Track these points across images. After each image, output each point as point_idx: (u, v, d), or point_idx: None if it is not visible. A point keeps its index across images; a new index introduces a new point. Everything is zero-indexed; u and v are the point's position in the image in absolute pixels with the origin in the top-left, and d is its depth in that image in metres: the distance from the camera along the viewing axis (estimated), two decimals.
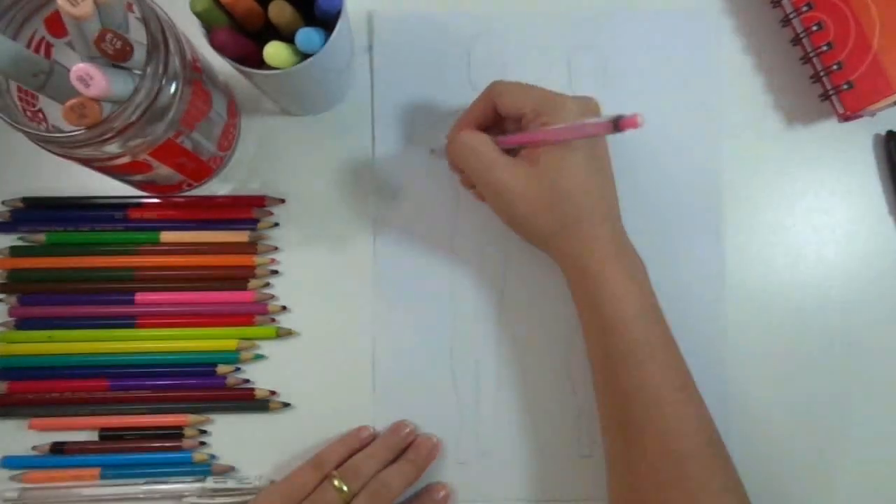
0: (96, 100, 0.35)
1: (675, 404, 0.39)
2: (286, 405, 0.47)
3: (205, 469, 0.46)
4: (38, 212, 0.48)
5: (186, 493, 0.46)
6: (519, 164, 0.41)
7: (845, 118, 0.47)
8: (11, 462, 0.46)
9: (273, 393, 0.47)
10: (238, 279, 0.47)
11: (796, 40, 0.48)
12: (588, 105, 0.42)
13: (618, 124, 0.34)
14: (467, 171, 0.43)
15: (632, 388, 0.39)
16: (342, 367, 0.48)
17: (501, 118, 0.44)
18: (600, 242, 0.41)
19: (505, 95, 0.42)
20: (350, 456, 0.45)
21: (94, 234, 0.48)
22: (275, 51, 0.38)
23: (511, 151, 0.43)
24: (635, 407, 0.39)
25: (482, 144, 0.42)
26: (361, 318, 0.48)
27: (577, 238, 0.41)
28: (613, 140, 0.50)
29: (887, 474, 0.48)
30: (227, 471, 0.47)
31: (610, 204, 0.42)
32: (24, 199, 0.48)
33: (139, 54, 0.35)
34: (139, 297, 0.47)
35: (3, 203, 0.48)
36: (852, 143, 0.50)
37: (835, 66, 0.46)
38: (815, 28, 0.47)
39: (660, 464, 0.38)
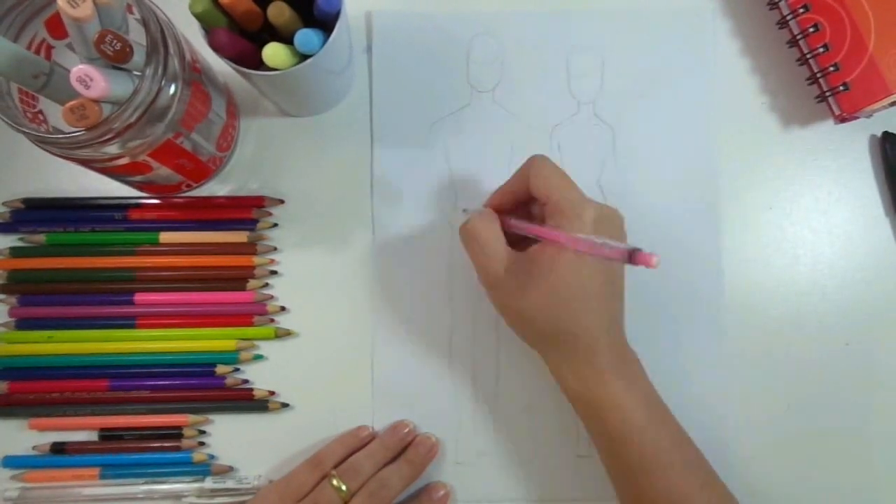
0: (96, 101, 0.35)
1: (704, 500, 0.39)
2: (285, 405, 0.47)
3: (204, 469, 0.46)
4: (38, 212, 0.48)
5: (186, 493, 0.46)
6: (521, 268, 0.40)
7: (842, 119, 0.48)
8: (11, 462, 0.46)
9: (272, 393, 0.47)
10: (237, 280, 0.48)
11: (793, 42, 0.49)
12: (609, 218, 0.40)
13: (632, 257, 0.33)
14: (469, 256, 0.42)
15: (658, 497, 0.39)
16: (341, 367, 0.48)
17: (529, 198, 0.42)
18: (594, 355, 0.39)
19: (537, 178, 0.40)
20: (349, 455, 0.45)
21: (94, 235, 0.48)
22: (274, 52, 0.38)
23: (525, 240, 0.42)
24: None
25: (487, 233, 0.41)
26: (360, 319, 0.48)
27: (571, 352, 0.40)
28: (610, 140, 0.51)
29: (887, 474, 0.48)
30: (227, 471, 0.47)
31: (609, 313, 0.40)
32: (25, 200, 0.48)
33: (139, 55, 0.35)
34: (139, 297, 0.47)
35: (3, 204, 0.48)
36: (849, 144, 0.50)
37: (831, 68, 0.47)
38: (811, 30, 0.47)
39: None
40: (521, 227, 0.41)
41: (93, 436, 0.47)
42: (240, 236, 0.48)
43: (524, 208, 0.44)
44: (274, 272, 0.48)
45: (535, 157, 0.42)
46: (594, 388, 0.39)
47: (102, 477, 0.46)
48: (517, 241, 0.42)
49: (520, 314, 0.40)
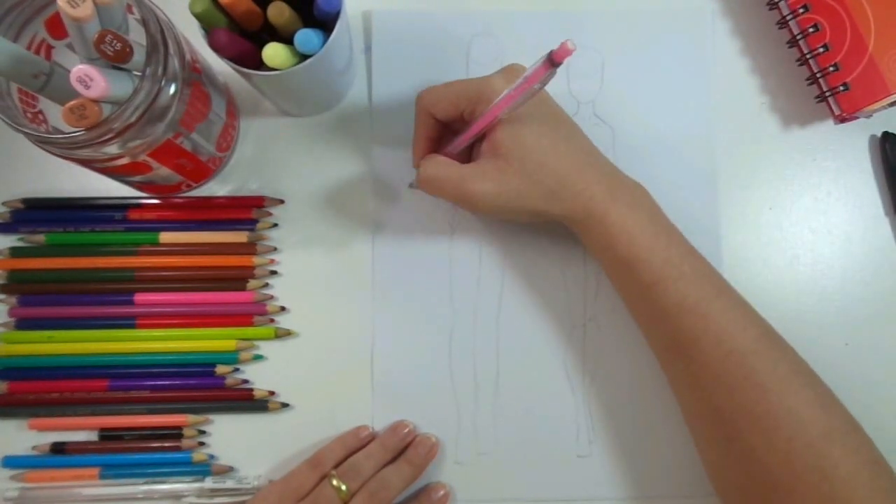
0: (96, 101, 0.35)
1: (720, 310, 0.39)
2: (285, 405, 0.47)
3: (204, 469, 0.46)
4: (38, 213, 0.48)
5: (185, 493, 0.46)
6: (483, 167, 0.41)
7: (842, 119, 0.48)
8: (11, 462, 0.46)
9: (272, 393, 0.47)
10: (237, 280, 0.48)
11: (793, 42, 0.49)
12: (513, 70, 0.42)
13: (552, 59, 0.34)
14: (445, 198, 0.43)
15: (673, 310, 0.40)
16: (341, 367, 0.48)
17: (445, 126, 0.44)
18: (592, 190, 0.41)
19: (436, 102, 0.42)
20: (349, 456, 0.45)
21: (94, 235, 0.48)
22: (274, 52, 0.38)
23: (474, 153, 0.43)
24: (683, 326, 0.39)
25: (443, 169, 0.42)
26: (360, 319, 0.48)
27: (567, 199, 0.41)
28: (610, 140, 0.51)
29: None
30: (227, 471, 0.47)
31: (585, 151, 0.42)
32: (24, 200, 0.48)
33: (139, 55, 0.35)
34: (139, 297, 0.47)
35: (3, 204, 0.48)
36: (849, 144, 0.50)
37: (831, 68, 0.47)
38: (811, 30, 0.47)
39: (723, 369, 0.38)
40: (459, 141, 0.42)
41: (93, 436, 0.47)
42: (240, 236, 0.48)
43: (447, 141, 0.45)
44: (274, 272, 0.48)
45: (420, 93, 0.43)
46: (598, 223, 0.41)
47: (102, 477, 0.46)
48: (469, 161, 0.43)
49: (511, 205, 0.41)
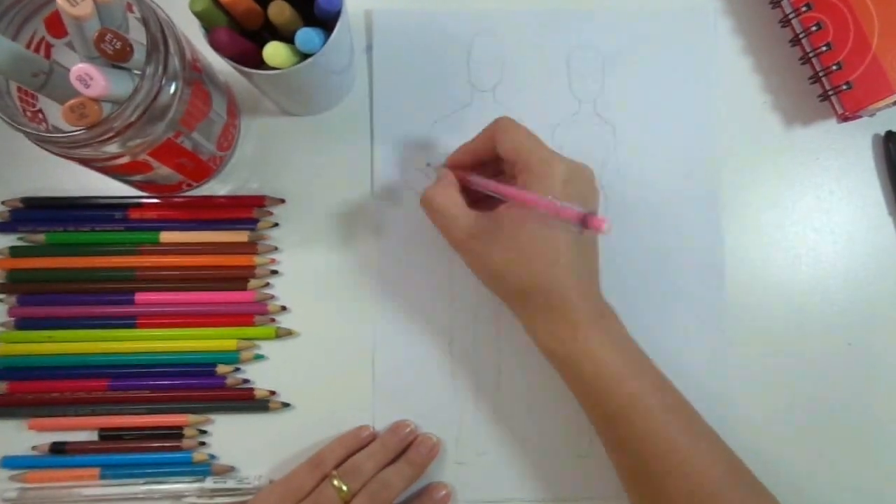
0: (96, 100, 0.35)
1: (686, 445, 0.39)
2: (286, 405, 0.47)
3: (204, 469, 0.46)
4: (37, 212, 0.48)
5: (186, 493, 0.46)
6: (485, 225, 0.40)
7: (844, 118, 0.47)
8: (11, 462, 0.46)
9: (273, 393, 0.47)
10: (238, 279, 0.47)
11: (795, 41, 0.48)
12: (579, 173, 0.40)
13: (584, 221, 0.34)
14: (438, 228, 0.43)
15: (638, 441, 0.39)
16: (342, 367, 0.48)
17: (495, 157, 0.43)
18: (567, 307, 0.39)
19: (505, 136, 0.41)
20: (349, 456, 0.45)
21: (94, 235, 0.48)
22: (274, 51, 0.38)
23: (490, 197, 0.42)
24: (648, 458, 0.39)
25: (448, 208, 0.42)
26: (361, 318, 0.48)
27: (542, 306, 0.40)
28: (611, 139, 0.50)
29: (889, 473, 0.48)
30: (227, 471, 0.47)
31: (572, 266, 0.40)
32: (24, 200, 0.48)
33: (139, 54, 0.35)
34: (139, 297, 0.47)
35: (2, 203, 0.48)
36: (851, 143, 0.50)
37: (834, 67, 0.46)
38: (814, 28, 0.47)
39: None
40: (481, 184, 0.42)
41: (93, 436, 0.47)
42: (240, 236, 0.48)
43: (486, 168, 0.44)
44: (275, 272, 0.48)
45: (501, 117, 0.42)
46: (568, 342, 0.40)
47: (102, 477, 0.46)
48: (482, 199, 0.43)
49: (489, 273, 0.41)
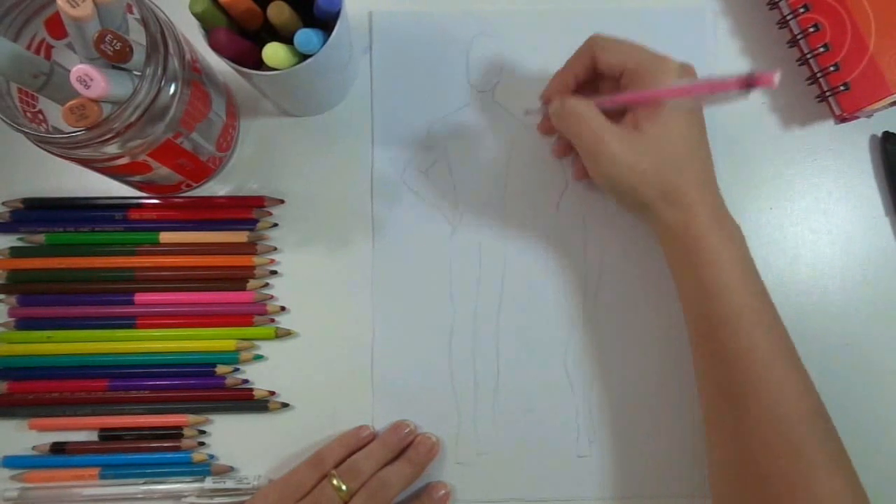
0: (96, 101, 0.35)
1: (783, 370, 0.39)
2: (285, 405, 0.47)
3: (204, 469, 0.46)
4: (37, 212, 0.48)
5: (185, 493, 0.46)
6: (625, 133, 0.40)
7: (842, 119, 0.48)
8: (11, 462, 0.46)
9: (272, 393, 0.47)
10: (237, 279, 0.48)
11: (793, 41, 0.49)
12: (688, 70, 0.41)
13: (750, 81, 0.32)
14: (574, 139, 0.42)
15: (739, 353, 0.39)
16: (341, 367, 0.48)
17: (596, 76, 0.43)
18: (701, 208, 0.40)
19: (608, 51, 0.41)
20: (349, 455, 0.45)
21: (94, 235, 0.48)
22: (274, 51, 0.38)
23: (609, 115, 0.42)
24: (743, 373, 0.38)
25: (589, 112, 0.40)
26: (361, 319, 0.48)
27: (679, 205, 0.40)
28: None
29: (887, 474, 0.48)
30: (226, 471, 0.47)
31: (708, 170, 0.42)
32: (24, 200, 0.48)
33: (139, 55, 0.35)
34: (139, 297, 0.47)
35: (3, 204, 0.48)
36: (849, 144, 0.50)
37: (832, 68, 0.47)
38: (811, 29, 0.47)
39: (770, 430, 0.38)
40: (616, 99, 0.41)
41: (93, 436, 0.47)
42: (240, 236, 0.48)
43: (584, 91, 0.43)
44: (274, 272, 0.48)
45: (593, 36, 0.42)
46: (695, 241, 0.40)
47: (102, 477, 0.46)
48: None
49: (629, 179, 0.40)
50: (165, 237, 0.48)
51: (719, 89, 0.35)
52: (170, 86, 0.37)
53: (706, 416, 0.42)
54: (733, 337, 0.39)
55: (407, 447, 0.46)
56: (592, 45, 0.42)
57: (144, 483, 0.46)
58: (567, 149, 0.47)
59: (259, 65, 0.39)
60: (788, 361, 0.39)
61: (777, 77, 0.31)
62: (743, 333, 0.39)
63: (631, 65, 0.40)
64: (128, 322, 0.47)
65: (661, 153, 0.40)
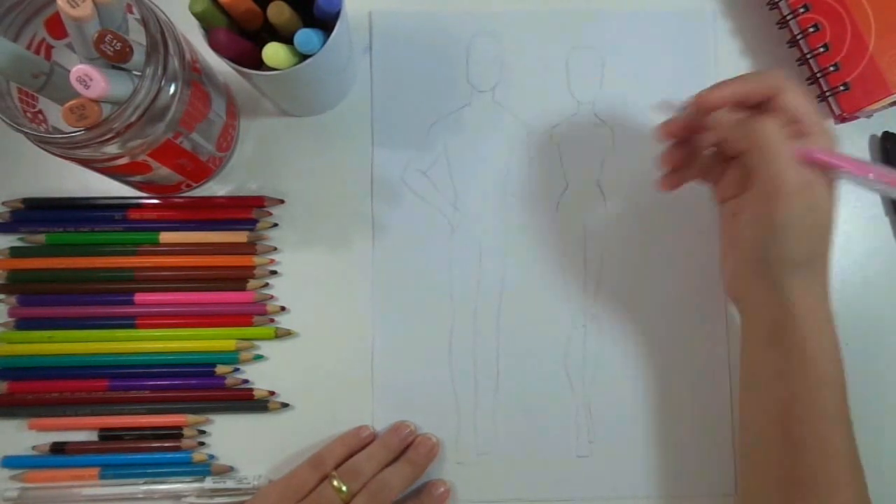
0: (96, 101, 0.35)
1: (862, 470, 0.38)
2: (285, 405, 0.47)
3: (204, 469, 0.46)
4: (37, 212, 0.48)
5: (185, 493, 0.46)
6: (814, 179, 0.37)
7: (842, 119, 0.48)
8: (11, 462, 0.46)
9: (272, 393, 0.47)
10: (237, 280, 0.48)
11: (793, 42, 0.49)
12: (835, 140, 0.39)
13: None
14: (760, 162, 0.37)
15: (823, 449, 0.38)
16: (341, 367, 0.48)
17: (757, 108, 0.40)
18: (825, 278, 0.39)
19: (795, 94, 0.38)
20: (349, 456, 0.45)
21: (94, 235, 0.48)
22: (274, 51, 0.38)
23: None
24: (825, 470, 0.38)
25: (788, 143, 0.37)
26: (361, 319, 0.48)
27: (822, 275, 0.39)
28: (610, 140, 0.50)
29: (886, 474, 0.48)
30: (226, 471, 0.47)
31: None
32: (24, 200, 0.48)
33: (138, 55, 0.35)
34: (139, 297, 0.47)
35: (3, 204, 0.48)
36: (849, 144, 0.50)
37: (831, 68, 0.47)
38: (811, 30, 0.47)
39: None
40: (824, 156, 0.38)
41: (93, 436, 0.47)
42: (240, 236, 0.48)
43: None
44: (274, 272, 0.48)
45: (780, 71, 0.39)
46: (821, 310, 0.39)
47: (102, 477, 0.46)
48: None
49: (794, 229, 0.37)
50: (165, 237, 0.48)
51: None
52: (170, 86, 0.37)
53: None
54: (826, 429, 0.38)
55: (407, 448, 0.46)
56: (781, 79, 0.39)
57: (144, 483, 0.46)
58: (678, 164, 0.44)
59: (259, 65, 0.39)
60: (860, 462, 0.39)
61: None
62: (833, 427, 0.38)
63: (810, 118, 0.38)
64: (128, 322, 0.47)
65: (823, 214, 0.38)
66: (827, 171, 0.38)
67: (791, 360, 0.38)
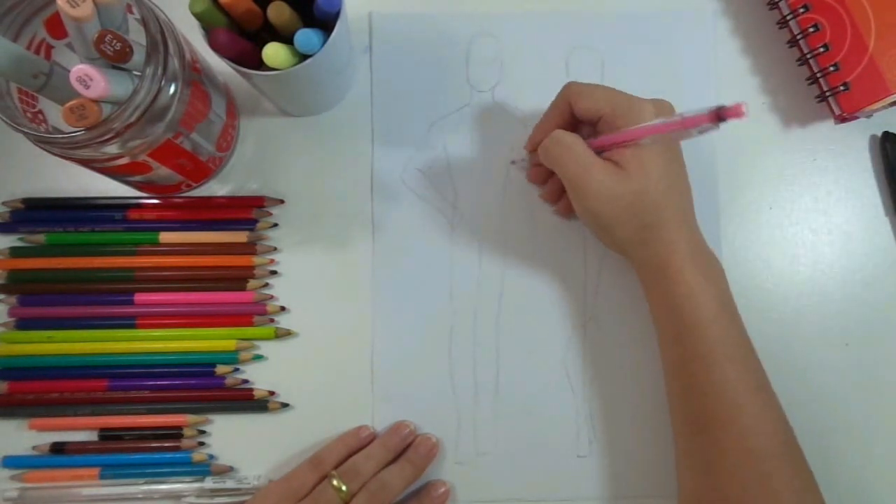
0: (96, 101, 0.35)
1: (755, 405, 0.39)
2: (285, 405, 0.47)
3: (204, 469, 0.46)
4: (38, 212, 0.48)
5: (185, 493, 0.46)
6: (609, 167, 0.40)
7: (842, 119, 0.48)
8: (11, 462, 0.46)
9: (272, 393, 0.47)
10: (237, 280, 0.48)
11: (793, 42, 0.49)
12: (663, 106, 0.42)
13: (720, 114, 0.33)
14: (561, 171, 0.42)
15: (711, 388, 0.39)
16: (341, 367, 0.48)
17: (576, 122, 0.43)
18: (678, 245, 0.41)
19: (583, 97, 0.42)
20: (349, 456, 0.45)
21: (94, 235, 0.48)
22: (274, 52, 0.38)
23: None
24: (715, 407, 0.39)
25: (578, 145, 0.41)
26: (360, 319, 0.48)
27: (657, 242, 0.41)
28: None
29: (887, 473, 0.48)
30: (226, 471, 0.47)
31: (687, 205, 0.43)
32: (24, 200, 0.48)
33: (138, 55, 0.35)
34: (139, 297, 0.47)
35: (3, 204, 0.48)
36: (849, 144, 0.50)
37: (831, 68, 0.47)
38: (811, 29, 0.47)
39: (742, 463, 0.38)
40: (600, 141, 0.41)
41: (93, 436, 0.47)
42: (240, 236, 0.48)
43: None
44: (274, 272, 0.48)
45: (568, 84, 0.43)
46: (672, 276, 0.40)
47: (102, 477, 0.46)
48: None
49: (611, 213, 0.41)
50: (165, 237, 0.48)
51: (691, 125, 0.36)
52: (170, 86, 0.37)
53: (677, 449, 0.42)
54: (706, 370, 0.39)
55: (407, 448, 0.46)
56: (568, 94, 0.43)
57: (144, 483, 0.46)
58: (558, 194, 0.47)
59: (259, 65, 0.39)
60: (761, 395, 0.40)
61: (745, 108, 0.33)
62: (716, 367, 0.39)
63: (606, 109, 0.41)
64: (128, 322, 0.47)
65: (641, 188, 0.40)
66: (631, 146, 0.40)
67: (669, 317, 0.42)
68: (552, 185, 0.47)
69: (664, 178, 0.40)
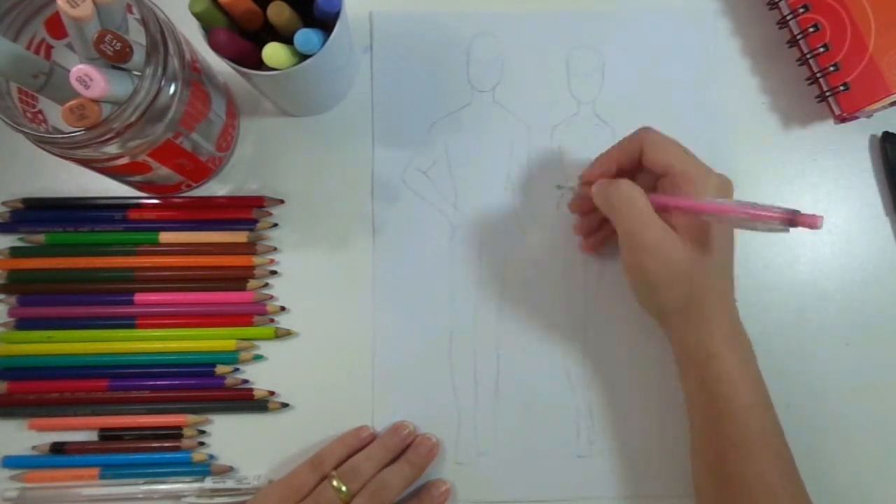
0: (96, 101, 0.35)
1: (787, 497, 0.39)
2: (285, 405, 0.47)
3: (204, 469, 0.46)
4: (37, 212, 0.48)
5: (185, 493, 0.46)
6: (669, 231, 0.40)
7: (842, 119, 0.48)
8: (11, 462, 0.46)
9: (272, 393, 0.47)
10: (237, 280, 0.48)
11: (793, 42, 0.49)
12: (727, 185, 0.41)
13: (794, 220, 0.34)
14: (619, 221, 0.41)
15: (745, 477, 0.39)
16: (341, 367, 0.48)
17: (639, 165, 0.43)
18: (720, 326, 0.40)
19: (657, 149, 0.41)
20: (349, 456, 0.45)
21: (94, 235, 0.48)
22: (274, 52, 0.38)
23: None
24: (746, 497, 0.39)
25: (642, 200, 0.40)
26: (361, 319, 0.48)
27: (698, 318, 0.40)
28: (610, 140, 0.50)
29: (885, 473, 0.48)
30: (226, 471, 0.47)
31: (730, 289, 0.42)
32: (24, 200, 0.48)
33: (138, 55, 0.35)
34: (139, 297, 0.47)
35: (3, 204, 0.48)
36: (849, 144, 0.50)
37: (831, 68, 0.47)
38: (811, 29, 0.47)
39: None
40: (664, 201, 0.40)
41: (93, 436, 0.47)
42: (240, 236, 0.48)
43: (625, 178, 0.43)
44: (274, 272, 0.48)
45: (648, 130, 0.42)
46: (710, 358, 0.40)
47: (102, 477, 0.46)
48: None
49: (662, 275, 0.40)
50: (165, 237, 0.48)
51: (761, 218, 0.36)
52: (170, 86, 0.37)
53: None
54: (741, 460, 0.39)
55: (407, 448, 0.46)
56: (643, 139, 0.42)
57: (144, 483, 0.46)
58: (593, 230, 0.47)
59: (259, 65, 0.39)
60: (791, 489, 0.40)
61: (821, 222, 0.33)
62: (750, 457, 0.39)
63: (677, 169, 0.40)
64: (128, 322, 0.47)
65: (696, 260, 0.39)
66: (693, 215, 0.39)
67: (705, 401, 0.41)
68: (590, 221, 0.47)
69: (719, 259, 0.40)
